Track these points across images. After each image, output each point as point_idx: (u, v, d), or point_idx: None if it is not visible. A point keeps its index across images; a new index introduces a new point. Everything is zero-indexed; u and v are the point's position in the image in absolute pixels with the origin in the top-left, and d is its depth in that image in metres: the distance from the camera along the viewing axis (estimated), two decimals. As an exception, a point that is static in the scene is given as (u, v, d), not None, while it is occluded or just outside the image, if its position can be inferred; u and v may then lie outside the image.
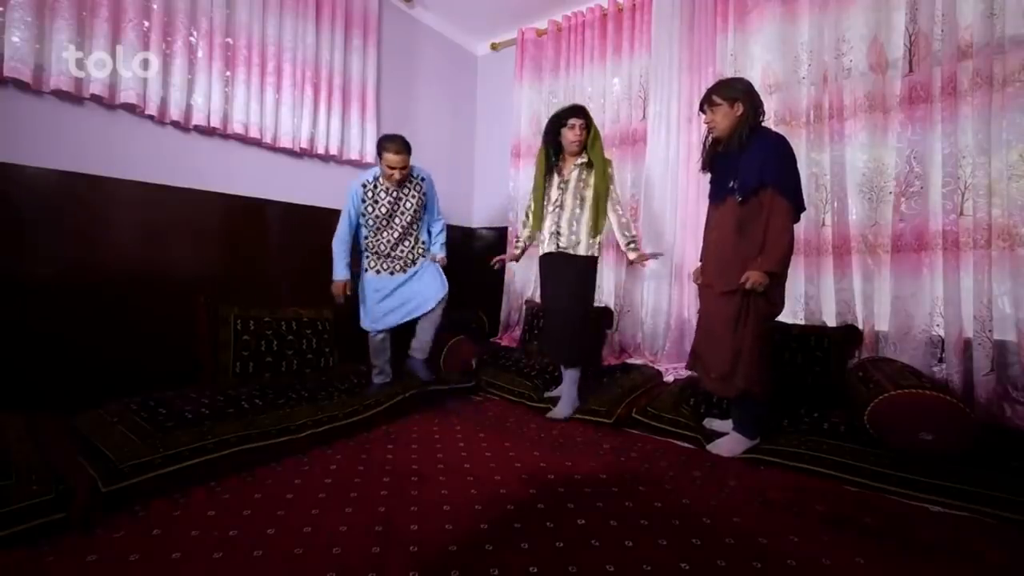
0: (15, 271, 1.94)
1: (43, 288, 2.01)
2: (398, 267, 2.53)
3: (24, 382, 1.95)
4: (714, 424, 2.12)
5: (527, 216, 2.56)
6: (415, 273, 2.56)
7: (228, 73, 2.49)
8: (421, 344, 2.59)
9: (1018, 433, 1.91)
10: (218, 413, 1.88)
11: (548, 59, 3.63)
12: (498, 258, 2.65)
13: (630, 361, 3.07)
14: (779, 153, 1.81)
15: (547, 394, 2.54)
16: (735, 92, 1.85)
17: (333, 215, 3.03)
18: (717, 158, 1.98)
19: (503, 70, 3.93)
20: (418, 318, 2.55)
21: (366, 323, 2.54)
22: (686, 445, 2.04)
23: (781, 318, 2.59)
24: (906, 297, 2.27)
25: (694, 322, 2.38)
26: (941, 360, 2.19)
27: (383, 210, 2.44)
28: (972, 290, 2.09)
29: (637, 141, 3.21)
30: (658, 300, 3.09)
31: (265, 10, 2.63)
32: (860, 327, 2.39)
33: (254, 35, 2.57)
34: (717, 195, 1.97)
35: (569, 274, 2.36)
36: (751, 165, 1.80)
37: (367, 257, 2.53)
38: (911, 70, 2.26)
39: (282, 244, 2.81)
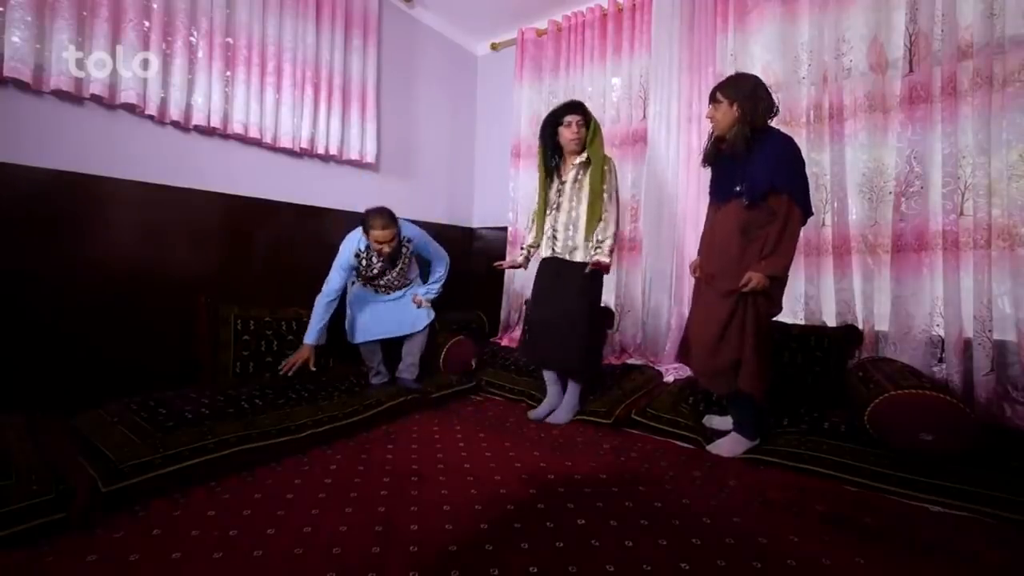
0: (15, 271, 1.94)
1: (43, 288, 2.01)
2: (384, 291, 2.60)
3: (24, 382, 1.95)
4: (713, 421, 2.12)
5: (531, 221, 2.47)
6: (402, 296, 2.63)
7: (228, 73, 2.49)
8: (408, 366, 2.60)
9: (1018, 433, 1.91)
10: (218, 413, 1.88)
11: (548, 59, 3.63)
12: (503, 263, 2.56)
13: (631, 361, 3.07)
14: (790, 157, 1.79)
15: (532, 415, 2.35)
16: (736, 93, 1.83)
17: (333, 215, 3.05)
18: (721, 157, 1.96)
19: (503, 70, 3.93)
20: (404, 338, 2.59)
21: (355, 337, 2.55)
22: (686, 445, 2.04)
23: (781, 318, 2.60)
24: (906, 297, 2.27)
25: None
26: (941, 360, 2.19)
27: (375, 271, 2.51)
28: (972, 290, 2.09)
29: (637, 141, 3.21)
30: (659, 300, 3.09)
31: (265, 10, 2.63)
32: (860, 327, 2.39)
33: (254, 35, 2.57)
34: (720, 196, 1.96)
35: (568, 282, 2.25)
36: (760, 169, 1.78)
37: (355, 282, 2.59)
38: (911, 70, 2.26)
39: (282, 244, 2.81)
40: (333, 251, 2.49)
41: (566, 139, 2.24)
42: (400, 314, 2.59)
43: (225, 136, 2.54)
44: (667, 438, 2.10)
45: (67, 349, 2.06)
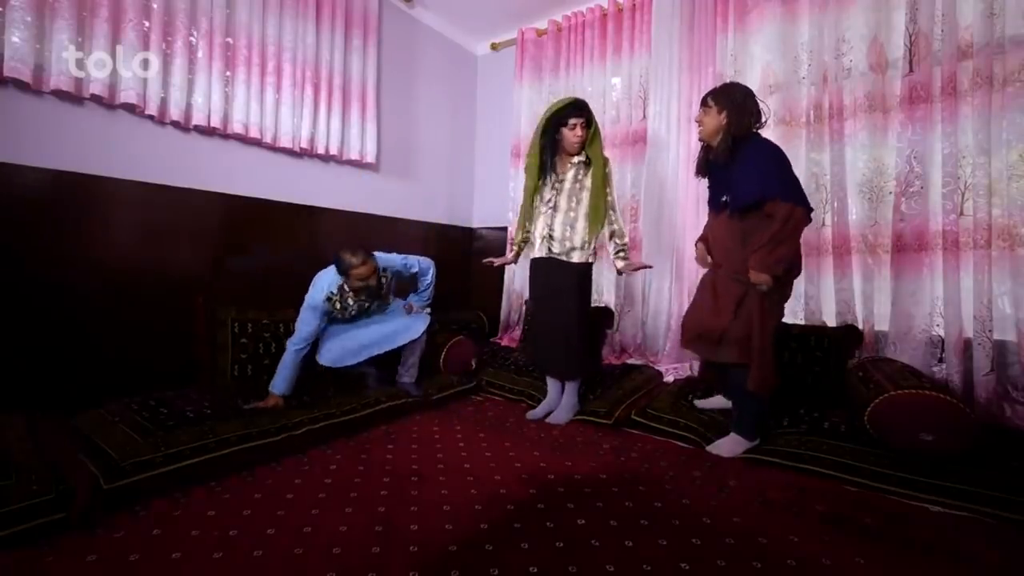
0: (15, 271, 1.94)
1: (43, 288, 2.01)
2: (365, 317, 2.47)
3: (24, 382, 1.95)
4: (705, 403, 2.19)
5: (520, 216, 2.45)
6: (387, 309, 2.51)
7: (228, 73, 2.49)
8: (408, 368, 2.51)
9: (1018, 433, 1.91)
10: (219, 413, 1.88)
11: (548, 59, 3.63)
12: (491, 259, 2.52)
13: (631, 361, 3.07)
14: (773, 162, 1.79)
15: (531, 415, 2.35)
16: (727, 101, 1.85)
17: (333, 215, 3.05)
18: (712, 166, 1.98)
19: (503, 70, 3.93)
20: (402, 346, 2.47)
21: (326, 358, 2.32)
22: (686, 445, 2.04)
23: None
24: (906, 297, 2.27)
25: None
26: (941, 360, 2.19)
27: (352, 313, 2.36)
28: (972, 290, 2.10)
29: (637, 141, 3.21)
30: (659, 300, 3.09)
31: (265, 10, 2.63)
32: (860, 327, 2.39)
33: (254, 35, 2.57)
34: (714, 206, 2.00)
35: (563, 283, 2.24)
36: (742, 178, 1.80)
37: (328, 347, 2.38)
38: (911, 70, 2.26)
39: (282, 244, 2.81)
40: (333, 252, 2.46)
41: (569, 141, 2.21)
42: (390, 327, 2.45)
43: (225, 136, 2.54)
44: (667, 438, 2.10)
45: (67, 349, 2.06)
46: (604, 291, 3.31)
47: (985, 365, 2.06)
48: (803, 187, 1.88)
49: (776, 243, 1.75)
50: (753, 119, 1.85)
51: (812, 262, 2.52)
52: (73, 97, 2.05)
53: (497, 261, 2.51)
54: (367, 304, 2.42)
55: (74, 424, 1.80)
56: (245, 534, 1.31)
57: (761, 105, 1.88)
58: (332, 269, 2.25)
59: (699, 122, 1.95)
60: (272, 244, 2.77)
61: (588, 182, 2.23)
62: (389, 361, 2.53)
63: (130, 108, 2.20)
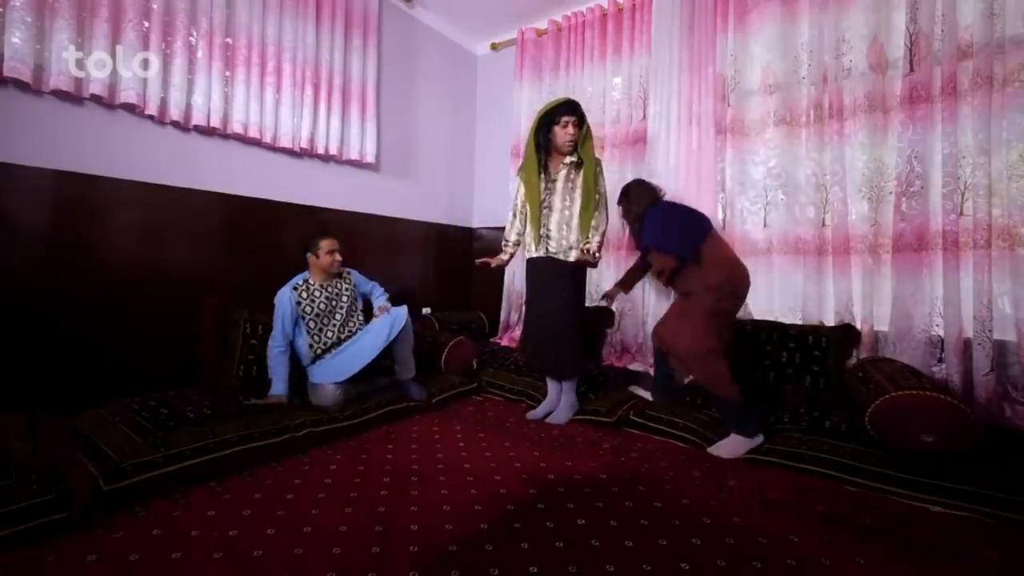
0: (15, 271, 1.94)
1: (43, 288, 2.01)
2: (340, 340, 2.42)
3: (24, 382, 1.95)
4: (638, 391, 2.48)
5: (513, 216, 2.43)
6: (361, 330, 2.47)
7: (228, 73, 2.49)
8: (404, 364, 2.45)
9: (1018, 433, 1.91)
10: (219, 413, 1.88)
11: (548, 59, 3.63)
12: (486, 260, 2.48)
13: (633, 367, 3.06)
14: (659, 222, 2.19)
15: (531, 415, 2.35)
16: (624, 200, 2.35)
17: (333, 215, 3.05)
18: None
19: (503, 70, 3.93)
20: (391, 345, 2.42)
21: (323, 377, 2.26)
22: (686, 445, 2.04)
23: (780, 318, 2.61)
24: (906, 297, 2.27)
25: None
26: (941, 360, 2.19)
27: (321, 307, 2.37)
28: (972, 290, 2.09)
29: (637, 141, 3.21)
30: (659, 300, 3.08)
31: (265, 10, 2.63)
32: (858, 327, 2.39)
33: (254, 35, 2.57)
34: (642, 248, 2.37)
35: (561, 282, 2.25)
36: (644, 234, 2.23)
37: (314, 351, 2.34)
38: (911, 70, 2.26)
39: (282, 244, 2.81)
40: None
41: (561, 139, 2.22)
42: (375, 327, 2.38)
43: (225, 136, 2.54)
44: (667, 438, 2.10)
45: (67, 349, 2.06)
46: (604, 291, 3.31)
47: (985, 365, 2.06)
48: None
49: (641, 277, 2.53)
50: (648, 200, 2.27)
51: (812, 262, 2.52)
52: (73, 97, 2.05)
53: (493, 262, 2.47)
54: (334, 294, 2.41)
55: (74, 424, 1.80)
56: (245, 534, 1.31)
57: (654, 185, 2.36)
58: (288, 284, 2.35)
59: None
60: (271, 244, 2.77)
61: (580, 181, 2.24)
62: (387, 371, 2.50)
63: (130, 108, 2.20)
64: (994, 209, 2.08)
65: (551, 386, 2.40)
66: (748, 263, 2.23)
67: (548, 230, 2.27)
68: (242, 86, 2.52)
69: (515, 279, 3.73)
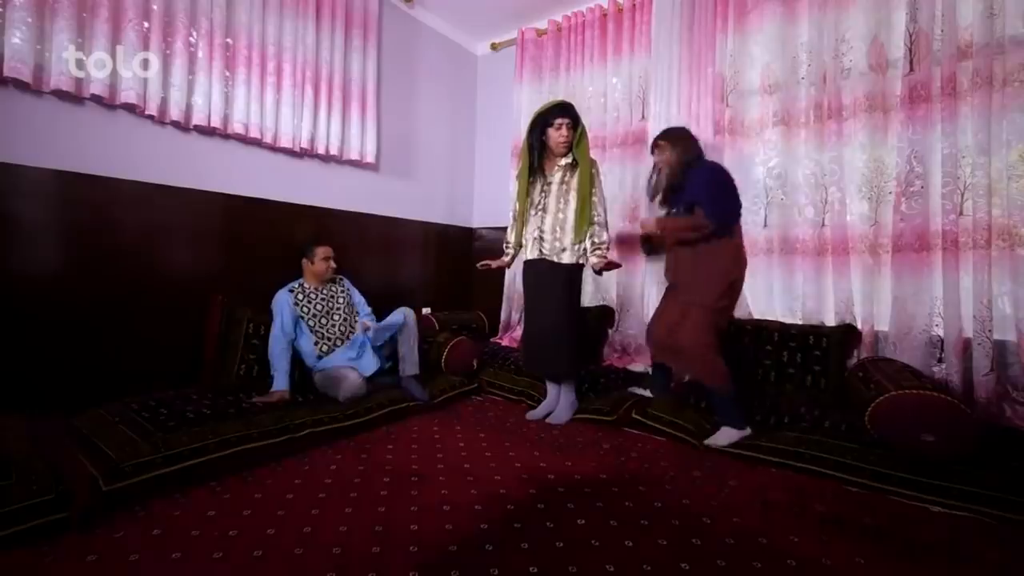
0: (15, 271, 1.94)
1: (43, 288, 2.01)
2: (341, 342, 2.49)
3: (24, 382, 1.95)
4: (636, 390, 2.47)
5: (513, 219, 2.45)
6: (359, 340, 2.50)
7: (228, 73, 2.49)
8: (407, 361, 2.47)
9: (1018, 433, 1.91)
10: (219, 413, 1.88)
11: (548, 59, 3.63)
12: (485, 262, 2.51)
13: (632, 367, 3.06)
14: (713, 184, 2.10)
15: (531, 415, 2.36)
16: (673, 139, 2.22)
17: (333, 215, 3.05)
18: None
19: (503, 70, 3.93)
20: (395, 337, 2.49)
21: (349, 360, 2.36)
22: (686, 446, 2.04)
23: (780, 317, 2.61)
24: (906, 297, 2.27)
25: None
26: (941, 360, 2.19)
27: (319, 307, 2.47)
28: (972, 290, 2.09)
29: (637, 141, 3.21)
30: (659, 299, 3.08)
31: (265, 10, 2.63)
32: (859, 327, 2.39)
33: (254, 35, 2.57)
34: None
35: (555, 284, 2.25)
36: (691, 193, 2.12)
37: (319, 349, 2.42)
38: (911, 70, 2.26)
39: (281, 245, 2.80)
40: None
41: (555, 141, 2.23)
42: (386, 322, 2.48)
43: (225, 136, 2.54)
44: (667, 438, 2.10)
45: (67, 349, 2.06)
46: (604, 290, 3.31)
47: (985, 365, 2.06)
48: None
49: (681, 228, 2.12)
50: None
51: (812, 262, 2.52)
52: (73, 97, 2.05)
53: (495, 264, 2.50)
54: (329, 297, 2.50)
55: (74, 424, 1.79)
56: (245, 534, 1.31)
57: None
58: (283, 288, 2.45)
59: (657, 163, 2.26)
60: (271, 244, 2.76)
61: (575, 183, 2.24)
62: (391, 370, 2.54)
63: (130, 108, 2.20)
64: (994, 209, 2.08)
65: (550, 386, 2.40)
66: (748, 263, 2.24)
67: (542, 231, 2.27)
68: (242, 86, 2.52)
69: (516, 279, 3.72)
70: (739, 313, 2.52)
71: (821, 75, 2.47)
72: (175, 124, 2.34)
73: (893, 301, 2.30)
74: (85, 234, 2.11)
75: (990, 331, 2.06)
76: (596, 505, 1.51)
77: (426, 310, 3.52)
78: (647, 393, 2.43)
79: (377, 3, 3.19)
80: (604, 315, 3.19)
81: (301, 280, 2.51)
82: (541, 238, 2.28)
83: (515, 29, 3.76)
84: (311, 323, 2.37)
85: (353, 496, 1.53)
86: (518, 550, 1.27)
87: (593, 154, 2.36)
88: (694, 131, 2.94)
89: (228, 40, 2.49)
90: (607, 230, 2.30)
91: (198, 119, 2.37)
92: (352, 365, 2.36)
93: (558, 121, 2.21)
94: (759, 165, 2.75)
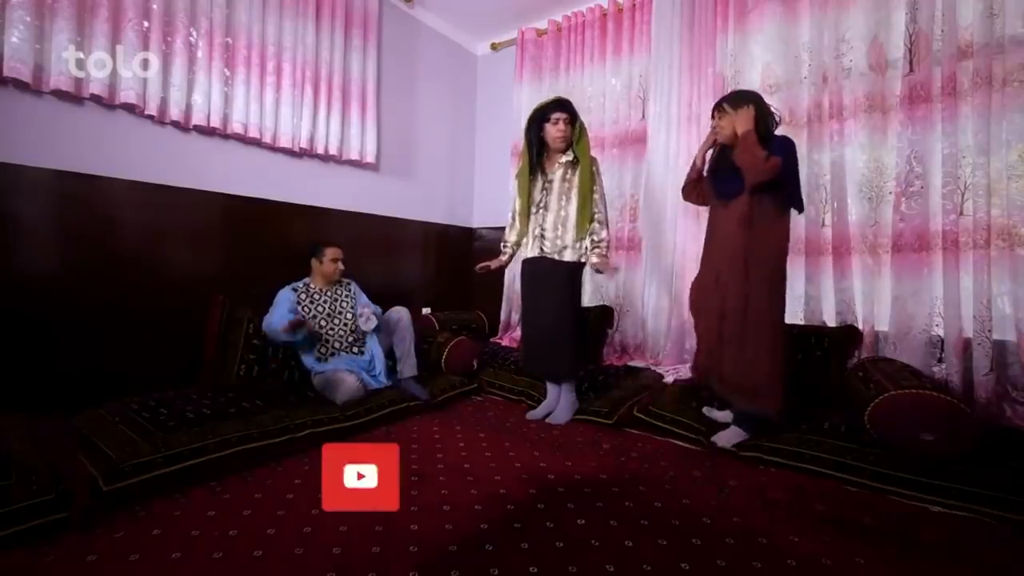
0: (14, 271, 1.94)
1: (43, 288, 2.01)
2: (348, 349, 2.48)
3: (24, 382, 1.95)
4: (714, 414, 2.13)
5: (512, 218, 2.44)
6: (364, 344, 2.53)
7: (228, 73, 2.49)
8: (405, 362, 2.48)
9: (1018, 433, 1.91)
10: (220, 413, 1.87)
11: (548, 59, 3.63)
12: (484, 264, 2.49)
13: (632, 364, 3.06)
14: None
15: (530, 415, 2.35)
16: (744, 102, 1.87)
17: (333, 215, 3.05)
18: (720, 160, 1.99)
19: (503, 70, 3.93)
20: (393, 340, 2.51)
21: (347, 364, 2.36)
22: (686, 445, 2.04)
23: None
24: (906, 297, 2.27)
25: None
26: (941, 360, 2.19)
27: (322, 310, 2.46)
28: (972, 290, 2.10)
29: (637, 141, 3.21)
30: (659, 300, 3.09)
31: (265, 10, 2.63)
32: (860, 327, 2.39)
33: (254, 35, 2.57)
34: (725, 194, 1.96)
35: (555, 283, 2.24)
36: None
37: (318, 351, 2.40)
38: (911, 70, 2.27)
39: (281, 245, 2.81)
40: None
41: (552, 136, 2.22)
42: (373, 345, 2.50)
43: (225, 136, 2.54)
44: (668, 437, 2.10)
45: (67, 349, 2.06)
46: (604, 290, 3.31)
47: (985, 365, 2.06)
48: (803, 187, 1.90)
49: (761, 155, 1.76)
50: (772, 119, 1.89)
51: (812, 262, 2.52)
52: (73, 97, 2.05)
53: (493, 264, 2.48)
54: (334, 299, 2.49)
55: (74, 424, 1.79)
56: (245, 534, 1.31)
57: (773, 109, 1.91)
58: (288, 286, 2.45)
59: (716, 127, 1.95)
60: (271, 244, 2.76)
61: (576, 180, 2.23)
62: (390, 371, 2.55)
63: (130, 108, 2.20)
64: (994, 209, 2.08)
65: (550, 387, 2.40)
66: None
67: (543, 229, 2.26)
68: (242, 86, 2.52)
69: (515, 279, 3.72)
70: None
71: (821, 75, 2.48)
72: (175, 124, 2.34)
73: (893, 301, 2.31)
74: (85, 234, 2.11)
75: (990, 331, 2.06)
76: (596, 505, 1.51)
77: (426, 310, 3.53)
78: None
79: (377, 3, 3.19)
80: (604, 315, 3.19)
81: (307, 280, 2.50)
82: (542, 236, 2.27)
83: (515, 29, 3.77)
84: (316, 327, 2.36)
85: (353, 496, 1.53)
86: (518, 550, 1.27)
87: (593, 154, 2.35)
88: (694, 131, 2.97)
89: (228, 40, 2.49)
90: (607, 228, 2.28)
91: (198, 119, 2.37)
92: (351, 368, 2.35)
93: (555, 116, 2.20)
94: (759, 165, 2.74)
